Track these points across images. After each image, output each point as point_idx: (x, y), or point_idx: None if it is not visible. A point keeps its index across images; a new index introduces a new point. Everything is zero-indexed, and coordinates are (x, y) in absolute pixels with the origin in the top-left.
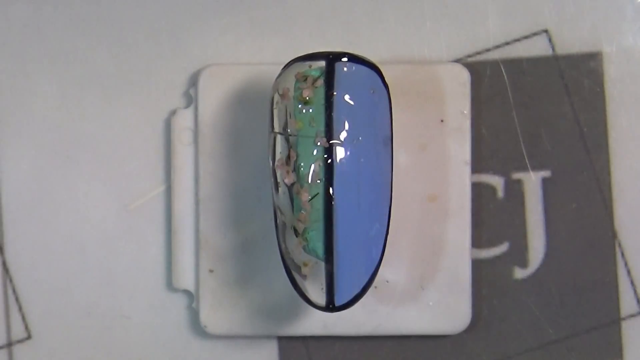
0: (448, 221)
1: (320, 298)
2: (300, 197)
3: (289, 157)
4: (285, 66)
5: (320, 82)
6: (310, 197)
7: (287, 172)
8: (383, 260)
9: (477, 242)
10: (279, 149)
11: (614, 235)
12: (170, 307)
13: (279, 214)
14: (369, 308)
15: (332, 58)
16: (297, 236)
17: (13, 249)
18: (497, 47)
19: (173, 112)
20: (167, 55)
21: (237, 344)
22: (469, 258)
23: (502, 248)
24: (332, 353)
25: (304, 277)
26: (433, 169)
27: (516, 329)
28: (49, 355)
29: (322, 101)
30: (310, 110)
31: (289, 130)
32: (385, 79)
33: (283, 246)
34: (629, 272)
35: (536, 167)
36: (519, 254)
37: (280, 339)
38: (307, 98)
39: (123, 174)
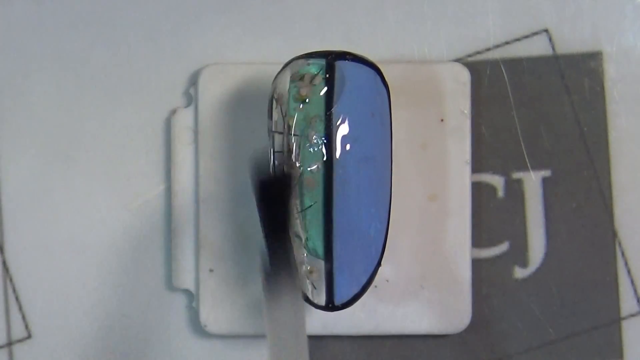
0: (448, 221)
1: (320, 298)
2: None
3: (289, 156)
4: (284, 65)
5: (318, 80)
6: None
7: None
8: (383, 260)
9: (477, 242)
10: (278, 148)
11: (614, 235)
12: (170, 307)
13: None
14: (369, 308)
15: (332, 57)
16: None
17: (13, 249)
18: (498, 46)
19: (173, 112)
20: (167, 55)
21: (237, 343)
22: (469, 258)
23: (502, 248)
24: (332, 353)
25: (304, 277)
26: (433, 169)
27: (516, 329)
28: (49, 355)
29: (321, 100)
30: (309, 109)
31: (288, 130)
32: (385, 78)
33: None
34: (629, 272)
35: (536, 167)
36: (519, 253)
37: None
38: (305, 96)
39: (123, 174)
